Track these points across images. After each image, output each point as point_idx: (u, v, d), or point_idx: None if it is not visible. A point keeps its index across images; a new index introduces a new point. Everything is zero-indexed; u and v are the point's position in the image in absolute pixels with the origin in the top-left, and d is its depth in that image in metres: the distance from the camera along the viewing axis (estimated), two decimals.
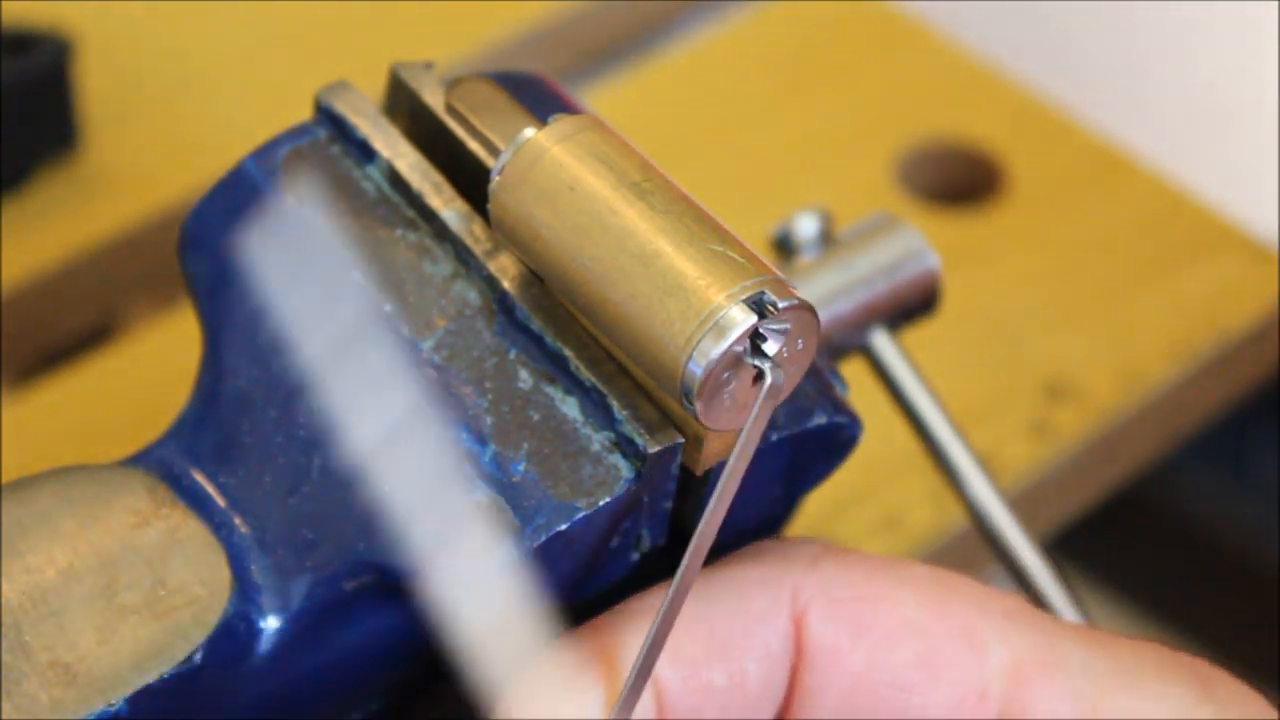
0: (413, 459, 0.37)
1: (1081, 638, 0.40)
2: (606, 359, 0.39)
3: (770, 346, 0.36)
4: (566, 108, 0.44)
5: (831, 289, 0.47)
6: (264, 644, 0.39)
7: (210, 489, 0.40)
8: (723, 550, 0.45)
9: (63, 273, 0.64)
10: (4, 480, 0.40)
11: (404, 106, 0.42)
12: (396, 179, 0.41)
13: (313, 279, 0.36)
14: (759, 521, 0.43)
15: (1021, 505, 0.48)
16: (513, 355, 0.39)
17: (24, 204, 0.65)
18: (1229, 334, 0.65)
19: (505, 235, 0.39)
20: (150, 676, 0.38)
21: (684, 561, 0.37)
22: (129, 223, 0.65)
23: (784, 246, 0.49)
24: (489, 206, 0.39)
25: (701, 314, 0.36)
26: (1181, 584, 0.86)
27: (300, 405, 0.40)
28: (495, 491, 0.38)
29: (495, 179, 0.38)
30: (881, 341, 0.48)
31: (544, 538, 0.38)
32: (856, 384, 0.45)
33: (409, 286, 0.40)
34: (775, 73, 0.72)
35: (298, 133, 0.42)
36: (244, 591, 0.39)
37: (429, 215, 0.41)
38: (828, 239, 0.49)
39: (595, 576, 0.40)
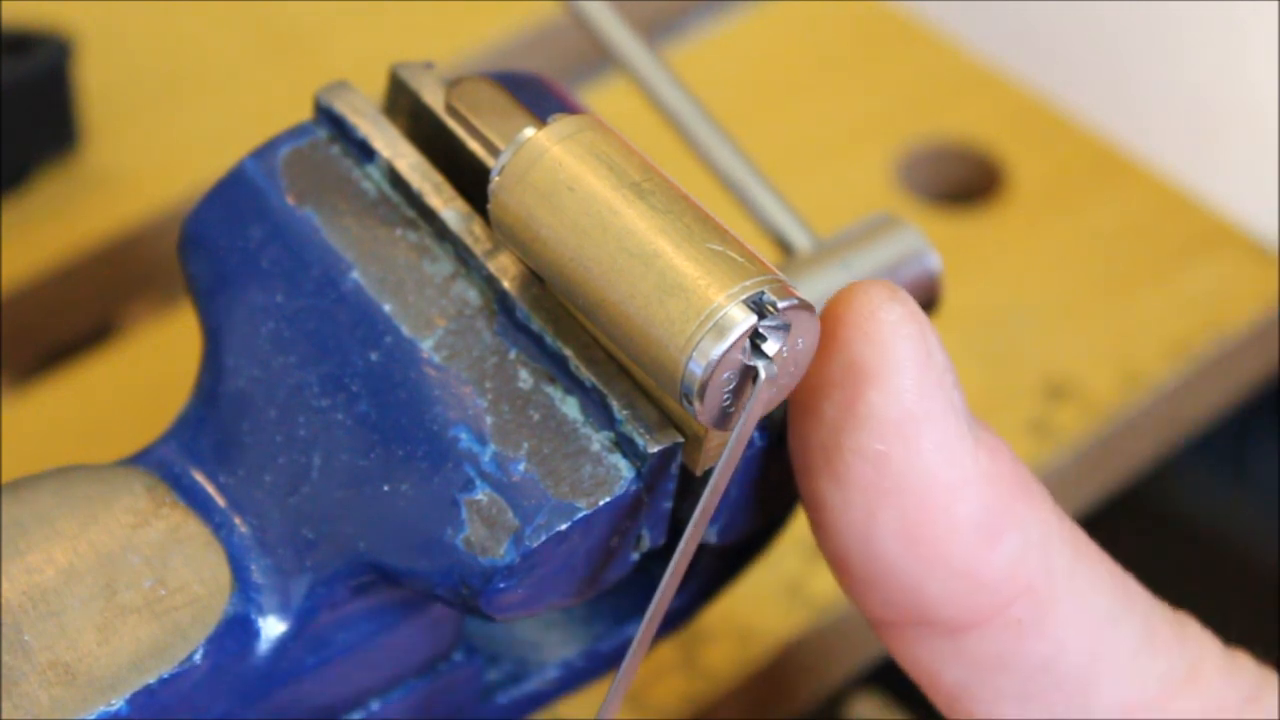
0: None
1: None
2: (606, 359, 0.39)
3: (770, 346, 0.36)
4: (566, 108, 0.44)
5: (832, 289, 0.47)
6: (264, 644, 0.39)
7: (210, 489, 0.40)
8: (722, 550, 0.45)
9: (63, 273, 0.64)
10: (4, 480, 0.40)
11: (404, 106, 0.42)
12: (396, 179, 0.41)
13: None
14: (758, 522, 0.43)
15: None
16: (513, 355, 0.39)
17: (24, 204, 0.65)
18: (1229, 334, 0.65)
19: (505, 235, 0.39)
20: (150, 676, 0.38)
21: (675, 558, 0.38)
22: (129, 223, 0.65)
23: None
24: (489, 206, 0.39)
25: (701, 314, 0.36)
26: (1181, 584, 0.86)
27: (300, 405, 0.40)
28: (495, 491, 0.38)
29: (495, 179, 0.38)
30: None
31: (544, 538, 0.38)
32: None
33: (409, 286, 0.40)
34: (775, 73, 0.72)
35: (298, 133, 0.42)
36: (244, 591, 0.39)
37: (429, 215, 0.41)
38: None
39: (595, 577, 0.40)
